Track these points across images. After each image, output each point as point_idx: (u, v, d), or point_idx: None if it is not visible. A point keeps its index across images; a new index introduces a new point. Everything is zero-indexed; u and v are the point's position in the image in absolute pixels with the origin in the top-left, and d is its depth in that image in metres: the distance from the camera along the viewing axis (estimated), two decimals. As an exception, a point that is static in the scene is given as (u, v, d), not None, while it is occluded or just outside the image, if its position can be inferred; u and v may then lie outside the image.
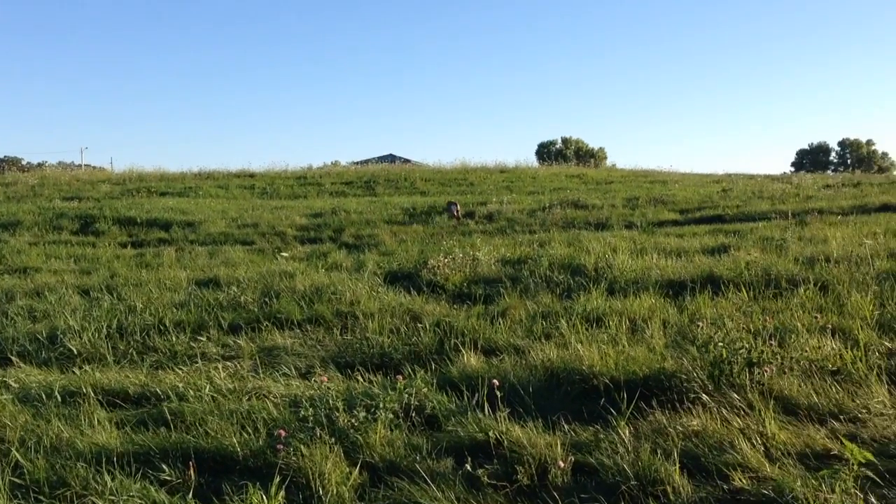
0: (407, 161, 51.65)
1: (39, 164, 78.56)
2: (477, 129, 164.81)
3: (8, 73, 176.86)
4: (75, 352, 7.16)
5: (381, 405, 4.87)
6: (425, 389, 5.33)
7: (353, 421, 4.81)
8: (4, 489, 3.99)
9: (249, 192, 32.55)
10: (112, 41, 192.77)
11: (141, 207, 22.56)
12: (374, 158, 55.34)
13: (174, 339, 7.53)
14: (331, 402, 4.95)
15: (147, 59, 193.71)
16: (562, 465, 4.25)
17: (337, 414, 4.86)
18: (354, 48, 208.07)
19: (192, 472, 4.29)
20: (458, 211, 20.60)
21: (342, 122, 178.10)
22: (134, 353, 7.21)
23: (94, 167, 65.73)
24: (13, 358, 6.93)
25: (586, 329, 7.09)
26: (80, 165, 67.50)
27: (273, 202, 27.75)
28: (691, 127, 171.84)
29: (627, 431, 4.65)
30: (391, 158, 56.29)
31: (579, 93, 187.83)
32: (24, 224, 19.67)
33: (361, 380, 5.93)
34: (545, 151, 78.81)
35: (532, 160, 55.35)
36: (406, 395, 5.14)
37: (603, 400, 5.27)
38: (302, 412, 4.88)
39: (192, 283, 10.84)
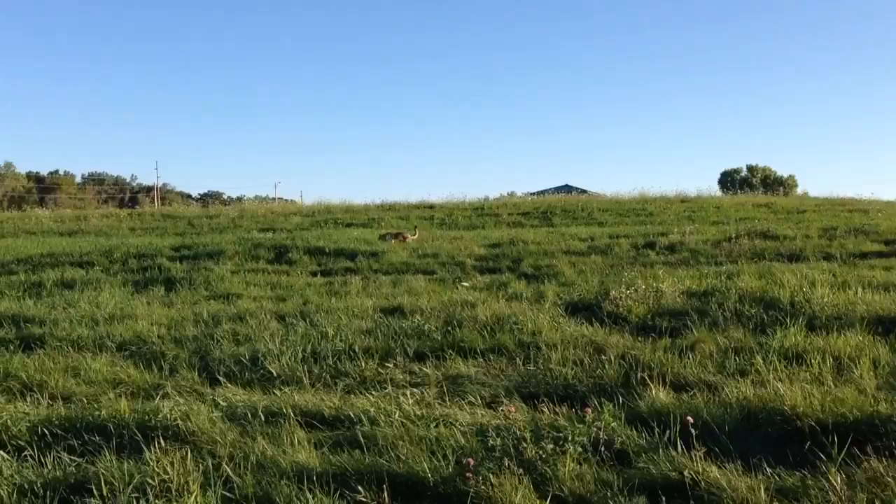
0: (583, 192, 51.32)
1: (238, 198, 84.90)
2: (655, 158, 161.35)
3: (210, 112, 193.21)
4: (274, 374, 7.60)
5: (570, 438, 4.80)
6: (614, 424, 5.20)
7: (540, 452, 4.77)
8: (216, 501, 4.26)
9: (429, 222, 33.50)
10: (301, 82, 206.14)
11: (329, 238, 23.73)
12: (550, 189, 55.41)
13: (363, 364, 7.81)
14: (518, 432, 4.94)
15: (333, 95, 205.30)
16: (766, 510, 4.00)
17: (524, 445, 4.84)
18: (530, 81, 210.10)
19: (385, 495, 4.41)
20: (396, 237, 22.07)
21: (519, 154, 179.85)
22: (327, 376, 7.54)
23: (286, 200, 70.13)
24: (220, 378, 7.45)
25: (785, 367, 6.67)
26: (273, 199, 72.24)
27: (451, 232, 28.37)
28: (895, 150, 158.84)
29: (839, 479, 4.30)
30: (567, 189, 56.15)
31: (765, 118, 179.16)
32: (226, 253, 21.18)
33: (546, 411, 5.89)
34: (728, 180, 75.67)
35: (714, 189, 53.32)
36: (594, 429, 5.03)
37: (808, 443, 4.92)
38: (490, 441, 4.90)
39: (377, 310, 11.23)
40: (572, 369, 7.19)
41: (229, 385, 7.24)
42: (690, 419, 5.00)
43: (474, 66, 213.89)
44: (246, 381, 7.53)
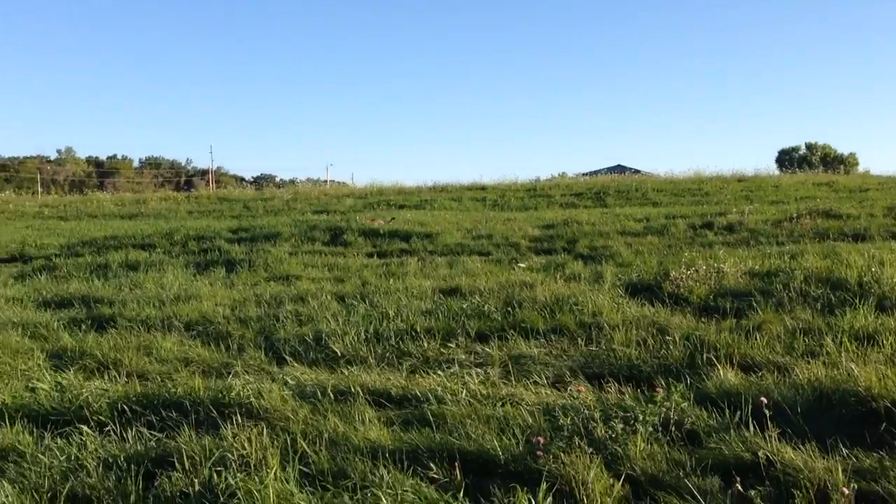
0: (636, 172, 50.62)
1: (291, 181, 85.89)
2: (710, 137, 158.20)
3: (263, 96, 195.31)
4: (338, 353, 7.72)
5: (641, 417, 4.80)
6: (684, 404, 5.18)
7: (609, 432, 4.78)
8: (294, 476, 4.37)
9: (481, 204, 33.47)
10: (350, 63, 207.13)
11: (383, 220, 23.93)
12: (602, 170, 54.86)
13: (426, 344, 7.89)
14: (586, 412, 4.96)
15: (386, 80, 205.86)
16: (845, 491, 3.94)
17: (593, 424, 4.85)
18: (581, 59, 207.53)
19: (457, 471, 4.47)
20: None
21: (569, 133, 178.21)
22: (390, 356, 7.64)
23: (338, 182, 70.70)
24: (287, 357, 7.61)
25: (856, 348, 6.55)
26: (325, 181, 72.87)
27: (504, 214, 28.30)
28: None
29: (920, 460, 4.23)
30: (620, 169, 55.46)
31: (825, 94, 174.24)
32: (282, 235, 21.46)
33: (612, 391, 5.90)
34: (786, 158, 73.88)
35: (772, 168, 52.20)
36: (664, 409, 5.02)
37: (885, 424, 4.84)
38: (560, 420, 4.93)
39: (436, 291, 11.31)
40: (636, 350, 7.16)
41: (295, 364, 7.38)
42: (764, 399, 4.95)
43: (522, 44, 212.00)
44: (311, 360, 7.67)
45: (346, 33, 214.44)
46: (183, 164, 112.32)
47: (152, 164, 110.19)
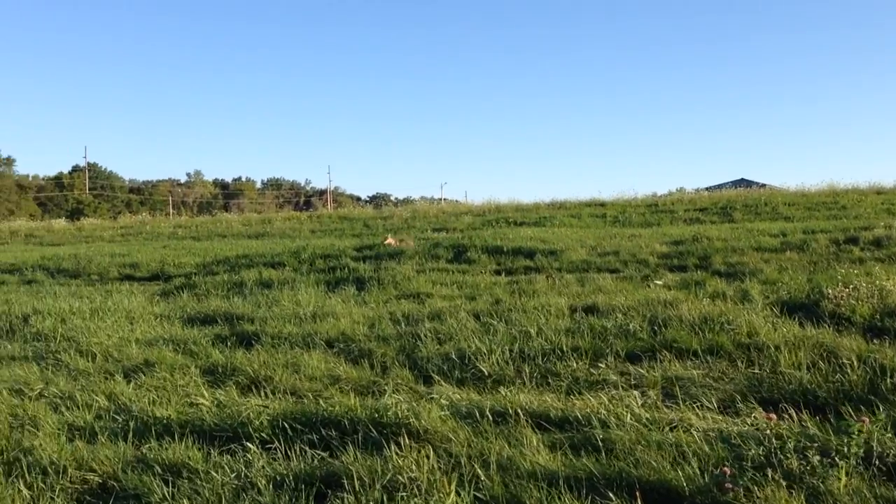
0: (762, 185, 48.56)
1: (405, 200, 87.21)
2: (842, 148, 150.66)
3: (379, 118, 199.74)
4: (485, 373, 7.57)
5: (845, 450, 4.39)
6: (889, 434, 4.73)
7: (804, 465, 4.39)
8: (468, 502, 4.20)
9: (601, 220, 32.87)
10: (466, 82, 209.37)
11: (505, 237, 23.72)
12: (727, 184, 52.92)
13: (574, 364, 7.64)
14: (775, 441, 4.59)
15: (500, 98, 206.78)
16: None
17: (783, 456, 4.48)
18: (697, 73, 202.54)
19: (638, 502, 4.20)
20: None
21: (687, 147, 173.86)
22: (538, 376, 7.43)
23: (452, 201, 71.20)
24: (434, 376, 7.51)
25: None
26: (440, 199, 73.52)
27: (626, 230, 27.63)
28: None
29: None
30: (744, 183, 53.34)
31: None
32: (406, 253, 21.63)
33: (789, 418, 5.48)
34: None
35: (912, 178, 48.91)
36: (862, 440, 4.59)
37: None
38: (743, 450, 4.58)
39: (571, 309, 11.03)
40: (806, 374, 6.67)
41: (443, 383, 7.27)
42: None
43: (633, 57, 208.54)
44: (457, 379, 7.55)
45: (462, 52, 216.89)
46: (302, 185, 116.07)
47: (273, 185, 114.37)
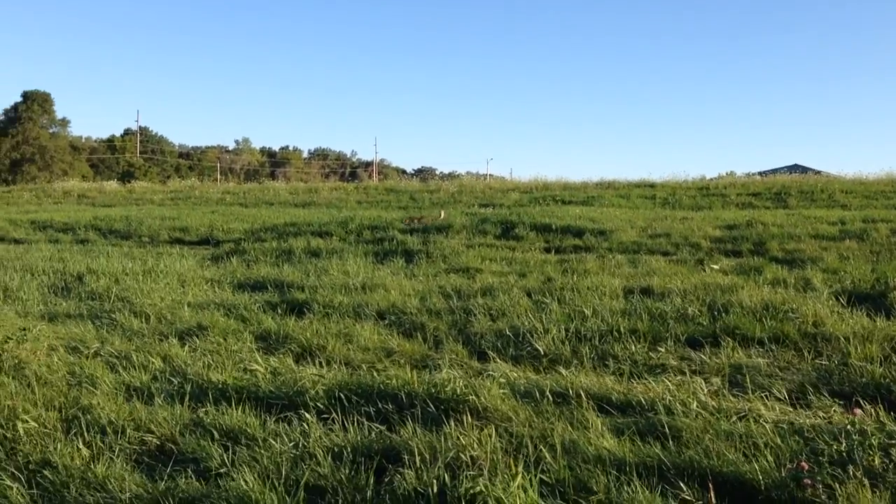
0: (817, 172, 47.30)
1: (450, 174, 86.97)
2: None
3: (425, 90, 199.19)
4: (541, 351, 7.41)
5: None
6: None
7: (886, 462, 4.18)
8: (534, 485, 4.07)
9: (650, 201, 32.29)
10: (514, 58, 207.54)
11: (553, 215, 23.43)
12: (782, 168, 51.69)
13: (633, 347, 7.44)
14: (856, 437, 4.37)
15: (547, 76, 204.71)
16: None
17: (865, 452, 4.26)
18: (751, 57, 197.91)
19: (712, 495, 4.03)
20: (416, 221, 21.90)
21: (739, 131, 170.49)
22: (595, 358, 7.26)
23: (496, 177, 70.74)
24: (489, 353, 7.38)
25: None
26: (485, 175, 73.11)
27: (677, 212, 27.09)
28: None
29: None
30: (797, 169, 52.09)
31: None
32: (454, 227, 21.47)
33: (864, 413, 5.24)
34: None
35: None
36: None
37: None
38: (829, 446, 4.37)
39: (626, 291, 10.81)
40: (879, 367, 6.40)
41: (498, 360, 7.14)
42: None
43: (684, 39, 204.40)
44: (511, 357, 7.41)
45: (509, 30, 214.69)
46: (348, 156, 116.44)
47: (320, 155, 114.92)
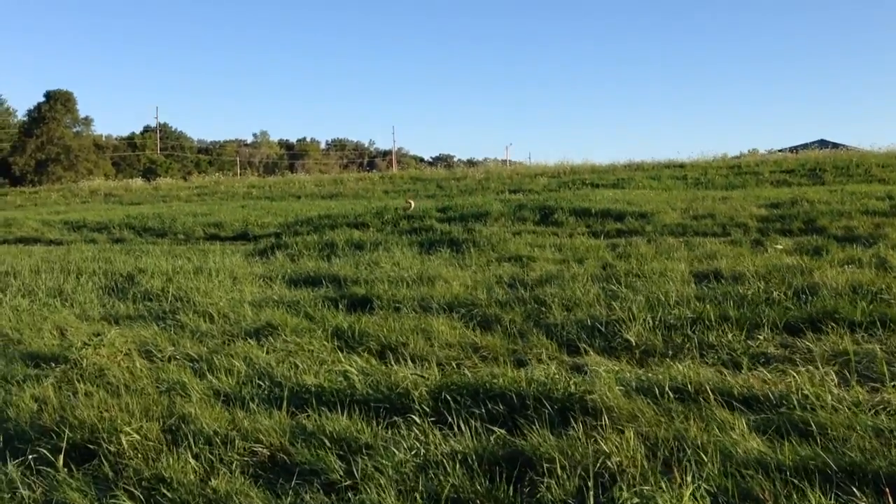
0: (844, 147, 46.52)
1: (469, 161, 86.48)
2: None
3: (441, 80, 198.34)
4: (633, 343, 7.10)
5: None
6: None
7: None
8: (704, 496, 3.74)
9: (682, 182, 31.78)
10: (528, 41, 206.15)
11: (588, 199, 23.05)
12: (811, 143, 50.90)
13: (729, 336, 7.11)
14: None
15: (562, 61, 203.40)
16: None
17: None
18: (765, 31, 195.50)
19: (890, 499, 3.71)
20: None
21: (760, 107, 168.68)
22: (691, 348, 6.94)
23: (516, 162, 70.23)
24: (580, 345, 7.07)
25: None
26: (505, 161, 72.62)
27: (710, 192, 26.60)
28: None
29: None
30: (823, 144, 51.31)
31: None
32: (491, 215, 21.11)
33: None
34: None
35: None
36: None
37: None
38: None
39: (693, 275, 10.49)
40: None
41: (591, 353, 6.84)
42: None
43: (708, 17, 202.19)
44: (601, 349, 7.10)
45: (521, 13, 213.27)
46: (366, 145, 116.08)
47: (338, 145, 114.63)
